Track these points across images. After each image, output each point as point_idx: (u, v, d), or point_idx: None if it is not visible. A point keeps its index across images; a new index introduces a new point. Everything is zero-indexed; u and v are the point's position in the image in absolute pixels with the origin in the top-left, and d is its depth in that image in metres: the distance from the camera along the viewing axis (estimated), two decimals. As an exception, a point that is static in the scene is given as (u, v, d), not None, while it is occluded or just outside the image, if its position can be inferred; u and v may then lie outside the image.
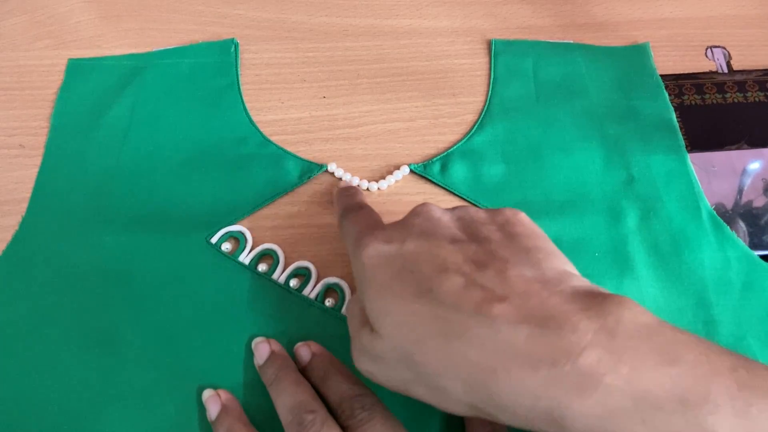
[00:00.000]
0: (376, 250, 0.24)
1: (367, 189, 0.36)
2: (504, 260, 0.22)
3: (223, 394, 0.28)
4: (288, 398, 0.26)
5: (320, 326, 0.31)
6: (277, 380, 0.27)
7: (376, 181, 0.36)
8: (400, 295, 0.22)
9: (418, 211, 0.26)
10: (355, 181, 0.36)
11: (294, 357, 0.29)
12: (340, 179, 0.36)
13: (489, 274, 0.22)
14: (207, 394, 0.28)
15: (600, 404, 0.18)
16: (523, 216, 0.26)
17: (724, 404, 0.18)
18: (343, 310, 0.31)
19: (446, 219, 0.25)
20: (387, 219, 0.35)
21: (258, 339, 0.30)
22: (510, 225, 0.25)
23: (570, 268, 0.24)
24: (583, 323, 0.19)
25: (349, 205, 0.31)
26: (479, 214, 0.26)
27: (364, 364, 0.24)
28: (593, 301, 0.20)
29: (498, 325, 0.20)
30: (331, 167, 0.36)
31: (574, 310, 0.20)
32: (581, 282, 0.22)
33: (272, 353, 0.29)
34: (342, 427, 0.25)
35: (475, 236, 0.24)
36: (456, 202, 0.36)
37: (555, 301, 0.20)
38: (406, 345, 0.22)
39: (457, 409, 0.22)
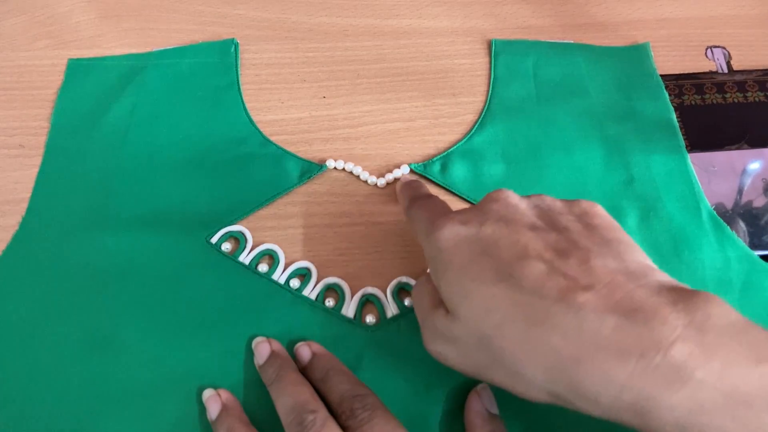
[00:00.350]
0: (452, 231, 0.24)
1: (366, 181, 0.36)
2: (586, 250, 0.22)
3: (224, 394, 0.28)
4: (288, 398, 0.26)
5: (320, 326, 0.31)
6: (278, 380, 0.27)
7: (376, 177, 0.36)
8: (480, 279, 0.22)
9: (495, 197, 0.26)
10: (357, 171, 0.36)
11: (294, 357, 0.29)
12: (350, 172, 0.37)
13: (572, 263, 0.22)
14: (207, 393, 0.28)
15: (689, 398, 0.18)
16: (600, 208, 0.26)
17: None
18: (410, 298, 0.31)
19: (524, 206, 0.25)
20: (386, 218, 0.35)
21: (258, 339, 0.30)
22: (588, 216, 0.25)
23: (651, 262, 0.23)
24: (673, 316, 0.19)
25: (417, 194, 0.31)
26: (556, 204, 0.26)
27: (436, 346, 0.25)
28: (680, 296, 0.20)
29: (584, 314, 0.20)
30: (330, 163, 0.36)
31: (662, 303, 0.20)
32: (664, 277, 0.22)
33: (272, 353, 0.29)
34: (342, 427, 0.25)
35: (554, 225, 0.24)
36: (456, 201, 0.36)
37: (642, 294, 0.20)
38: (486, 329, 0.22)
39: (535, 395, 0.22)
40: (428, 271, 0.26)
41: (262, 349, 0.29)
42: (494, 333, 0.22)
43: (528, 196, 0.26)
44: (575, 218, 0.25)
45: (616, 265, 0.22)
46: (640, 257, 0.23)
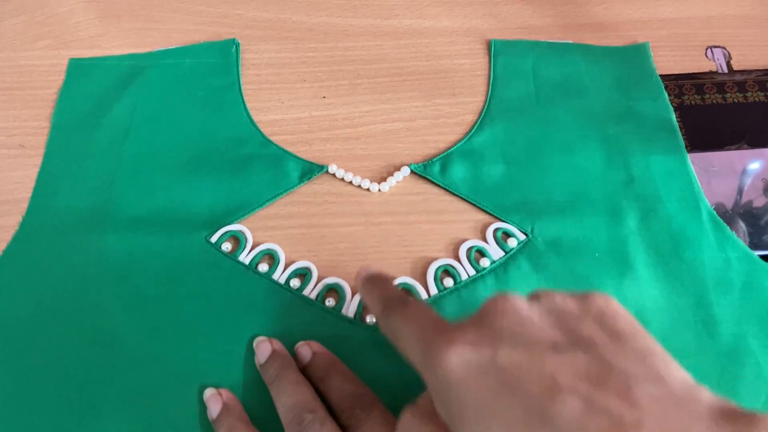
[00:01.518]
0: (462, 358, 0.21)
1: (368, 189, 0.36)
2: (624, 374, 0.19)
3: (224, 393, 0.28)
4: (288, 397, 0.26)
5: (320, 326, 0.31)
6: (278, 379, 0.27)
7: (377, 182, 0.36)
8: (508, 422, 0.19)
9: (502, 308, 0.22)
10: (357, 181, 0.36)
11: (295, 356, 0.29)
12: (349, 182, 0.36)
13: (611, 394, 0.19)
14: (208, 393, 0.28)
15: None
16: (616, 305, 0.23)
17: None
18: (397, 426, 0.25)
19: (536, 316, 0.22)
20: (387, 219, 0.35)
21: (260, 338, 0.30)
22: (609, 319, 0.22)
23: (688, 375, 0.21)
24: None
25: (391, 297, 0.26)
26: (568, 304, 0.23)
27: None
28: (737, 428, 0.18)
29: None
30: (332, 168, 0.36)
31: None
32: (709, 397, 0.19)
33: (274, 352, 0.29)
34: (342, 426, 0.25)
35: (576, 337, 0.21)
36: (456, 202, 0.36)
37: (697, 430, 0.18)
38: None
39: None
40: (417, 402, 0.23)
41: (264, 348, 0.29)
42: None
43: (536, 297, 0.23)
44: (595, 323, 0.22)
45: (660, 391, 0.19)
46: (678, 372, 0.20)
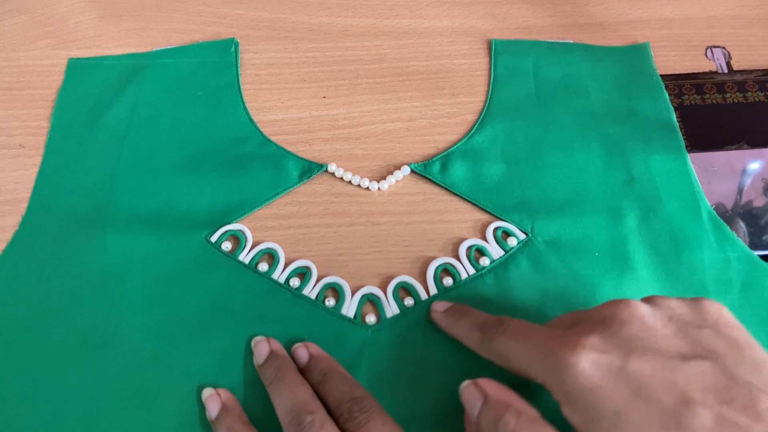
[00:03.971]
0: (592, 363, 0.22)
1: (368, 188, 0.36)
2: (747, 386, 0.21)
3: (223, 393, 0.28)
4: (287, 398, 0.26)
5: (320, 326, 0.31)
6: (276, 380, 0.27)
7: (377, 181, 0.36)
8: (642, 430, 0.20)
9: (628, 316, 0.23)
10: (356, 180, 0.36)
11: (292, 358, 0.29)
12: (348, 181, 0.36)
13: (738, 407, 0.20)
14: (207, 393, 0.28)
15: None
16: (728, 312, 0.24)
17: None
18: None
19: (660, 324, 0.23)
20: (387, 219, 0.35)
21: (257, 338, 0.30)
22: (725, 327, 0.23)
23: None
24: None
25: (485, 322, 0.27)
26: (683, 310, 0.24)
27: None
28: None
29: None
30: (331, 167, 0.36)
31: None
32: None
33: (271, 352, 0.29)
34: (341, 429, 0.25)
35: (699, 346, 0.22)
36: (456, 201, 0.36)
37: None
38: None
39: None
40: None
41: (261, 348, 0.29)
42: None
43: (654, 304, 0.24)
44: (713, 332, 0.23)
45: None
46: None
